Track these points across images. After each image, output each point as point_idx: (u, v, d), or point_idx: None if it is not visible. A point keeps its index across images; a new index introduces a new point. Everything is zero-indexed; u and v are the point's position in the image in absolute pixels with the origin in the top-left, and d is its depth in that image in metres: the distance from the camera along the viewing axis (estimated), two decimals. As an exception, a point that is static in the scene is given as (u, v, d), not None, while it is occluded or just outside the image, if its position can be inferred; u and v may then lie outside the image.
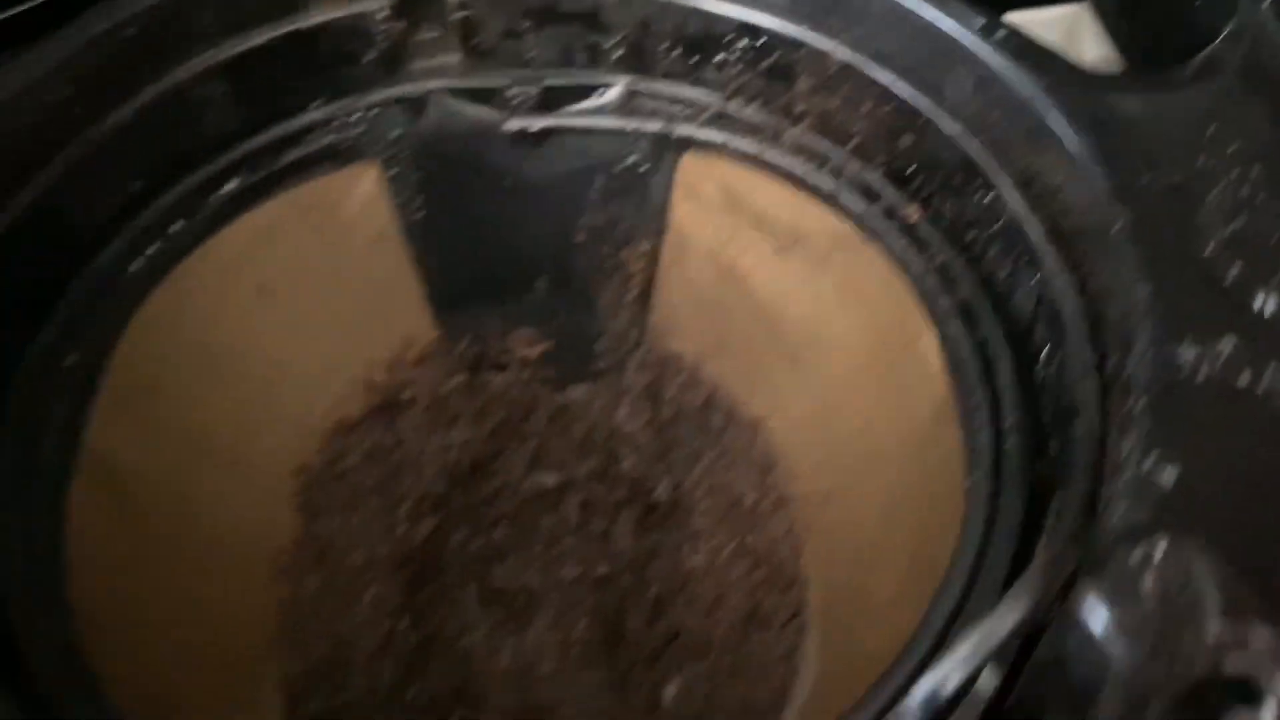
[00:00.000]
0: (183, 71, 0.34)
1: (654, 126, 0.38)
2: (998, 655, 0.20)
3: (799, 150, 0.36)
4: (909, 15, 0.32)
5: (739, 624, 0.36)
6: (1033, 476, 0.27)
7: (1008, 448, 0.28)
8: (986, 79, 0.30)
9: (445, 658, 0.38)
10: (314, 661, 0.35)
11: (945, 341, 0.31)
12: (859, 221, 0.35)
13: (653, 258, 0.41)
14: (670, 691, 0.35)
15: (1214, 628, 0.20)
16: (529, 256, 0.41)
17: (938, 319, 0.32)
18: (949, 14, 0.31)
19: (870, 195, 0.34)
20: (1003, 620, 0.20)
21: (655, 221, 0.40)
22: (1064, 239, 0.29)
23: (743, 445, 0.39)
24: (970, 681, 0.20)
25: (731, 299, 0.40)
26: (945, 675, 0.20)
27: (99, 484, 0.31)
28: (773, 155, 0.36)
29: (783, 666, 0.34)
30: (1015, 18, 0.40)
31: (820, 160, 0.36)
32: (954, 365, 0.31)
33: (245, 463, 0.37)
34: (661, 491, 0.41)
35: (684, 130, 0.38)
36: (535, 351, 0.43)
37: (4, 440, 0.29)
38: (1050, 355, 0.28)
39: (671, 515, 0.40)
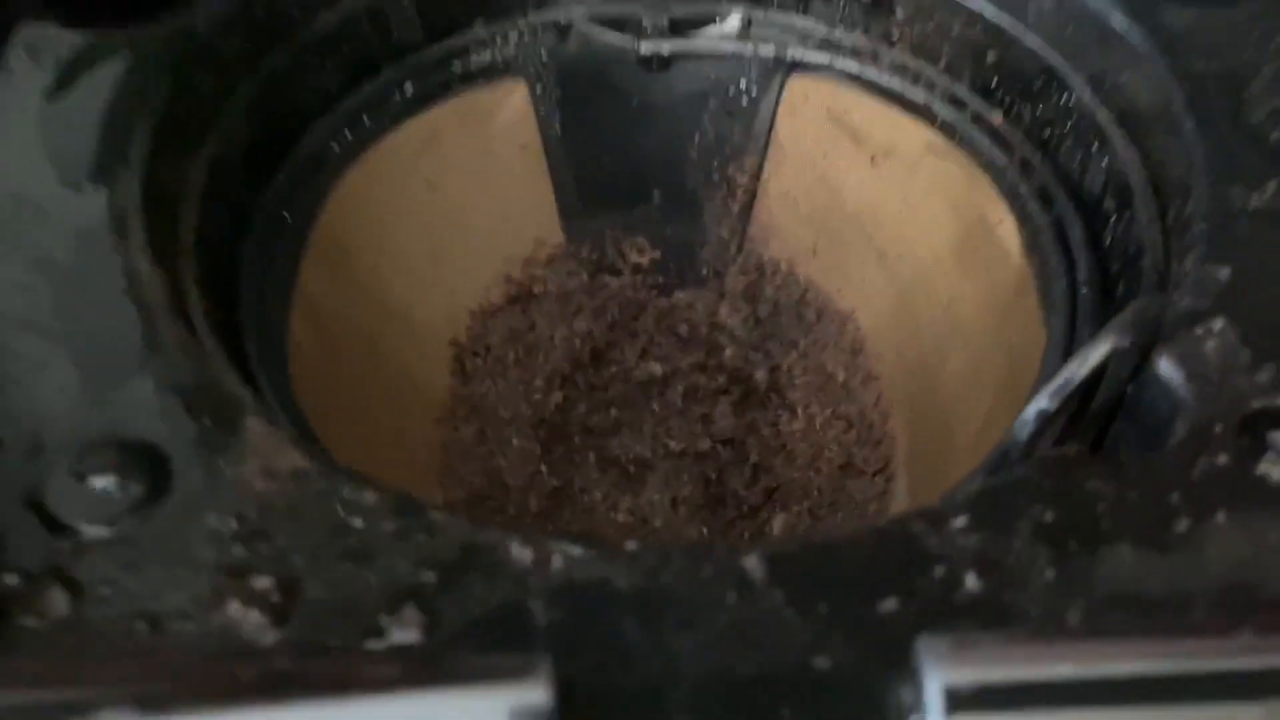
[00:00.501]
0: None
1: (767, 51, 0.44)
2: (1091, 383, 0.26)
3: (896, 70, 0.42)
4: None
5: (835, 473, 0.41)
6: (1104, 317, 0.33)
7: (1081, 296, 0.34)
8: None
9: (574, 507, 0.43)
10: (473, 490, 0.41)
11: (1023, 222, 0.37)
12: (948, 129, 0.40)
13: (756, 172, 0.46)
14: (777, 525, 0.41)
15: (1263, 375, 0.26)
16: (648, 171, 0.47)
17: (1016, 204, 0.37)
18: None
19: (959, 105, 0.40)
20: (1095, 349, 0.26)
21: (761, 140, 0.46)
22: (1130, 122, 0.34)
23: (834, 332, 0.45)
24: (1068, 399, 0.26)
25: (826, 205, 0.45)
26: (1050, 393, 0.26)
27: (307, 317, 0.37)
28: (872, 74, 0.42)
29: (875, 505, 0.40)
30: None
31: (914, 77, 0.41)
32: (1031, 241, 0.36)
33: (411, 327, 0.43)
34: (759, 376, 0.46)
35: (794, 53, 0.43)
36: (645, 259, 0.49)
37: (244, 275, 0.35)
38: (1118, 219, 0.34)
39: (769, 396, 0.46)
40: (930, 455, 0.40)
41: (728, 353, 0.47)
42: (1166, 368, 0.26)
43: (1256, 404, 0.25)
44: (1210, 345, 0.26)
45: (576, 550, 0.23)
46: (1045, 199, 0.37)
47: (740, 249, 0.48)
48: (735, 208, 0.47)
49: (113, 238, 0.29)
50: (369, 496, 0.24)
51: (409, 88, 0.42)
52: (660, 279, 0.49)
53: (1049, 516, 0.23)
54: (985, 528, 0.23)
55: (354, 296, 0.40)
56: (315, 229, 0.38)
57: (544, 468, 0.43)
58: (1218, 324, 0.27)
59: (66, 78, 0.33)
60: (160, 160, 0.32)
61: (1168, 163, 0.33)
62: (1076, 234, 0.35)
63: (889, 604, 0.22)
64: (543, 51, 0.44)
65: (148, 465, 0.24)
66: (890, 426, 0.42)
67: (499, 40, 0.43)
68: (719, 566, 0.22)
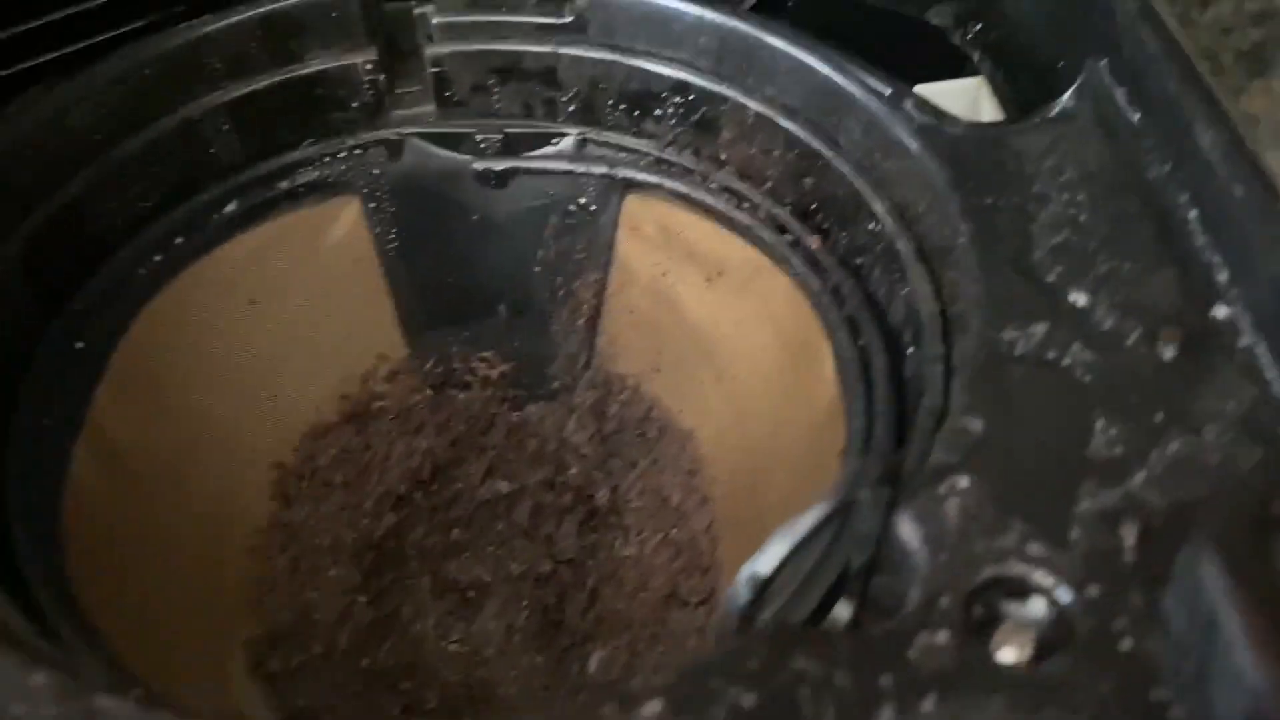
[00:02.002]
0: (193, 108, 0.39)
1: (601, 170, 0.43)
2: (807, 545, 0.25)
3: (723, 191, 0.41)
4: (809, 72, 0.37)
5: (659, 604, 0.40)
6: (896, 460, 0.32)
7: (875, 436, 0.33)
8: (869, 125, 0.36)
9: (398, 637, 0.42)
10: (277, 627, 0.39)
11: (836, 350, 0.36)
12: (771, 251, 0.40)
13: (600, 287, 0.46)
14: (594, 661, 0.39)
15: (998, 542, 0.24)
16: (491, 285, 0.47)
17: (830, 332, 0.37)
18: (839, 71, 0.37)
19: (780, 228, 0.40)
20: (808, 517, 0.25)
21: (602, 255, 0.45)
22: (927, 256, 0.34)
23: (674, 453, 0.44)
24: (783, 566, 0.25)
25: (668, 323, 0.45)
26: (761, 560, 0.24)
27: (97, 452, 0.35)
28: (701, 196, 0.42)
29: (696, 639, 0.38)
30: (928, 89, 0.46)
31: (740, 199, 0.41)
32: (841, 370, 0.36)
33: (228, 453, 0.41)
34: (601, 497, 0.45)
35: (627, 174, 0.43)
36: (496, 372, 0.48)
37: (21, 408, 0.34)
38: (914, 353, 0.33)
39: (609, 517, 0.44)
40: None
41: (573, 470, 0.46)
42: (906, 530, 0.25)
43: (989, 571, 0.24)
44: (951, 505, 0.25)
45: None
46: (854, 328, 0.36)
47: (589, 364, 0.47)
48: (581, 322, 0.47)
49: None
50: (38, 678, 0.22)
51: (231, 207, 0.41)
52: (511, 392, 0.48)
53: (748, 701, 0.21)
54: (680, 713, 0.21)
55: (160, 424, 0.38)
56: (114, 357, 0.37)
57: (362, 598, 0.41)
58: (963, 482, 0.25)
59: None
60: None
61: (956, 299, 0.32)
62: (880, 365, 0.34)
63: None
64: (375, 169, 0.44)
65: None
66: (720, 553, 0.41)
67: (328, 158, 0.43)
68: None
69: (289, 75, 0.41)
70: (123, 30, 0.40)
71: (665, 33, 0.41)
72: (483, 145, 0.44)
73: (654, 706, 0.22)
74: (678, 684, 0.22)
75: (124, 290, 0.38)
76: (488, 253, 0.46)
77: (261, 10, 0.40)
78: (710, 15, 0.40)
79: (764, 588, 0.25)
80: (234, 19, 0.40)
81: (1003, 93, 0.43)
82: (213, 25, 0.39)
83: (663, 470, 0.44)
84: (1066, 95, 0.35)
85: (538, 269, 0.46)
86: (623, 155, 0.43)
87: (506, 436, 0.48)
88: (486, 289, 0.47)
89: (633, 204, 0.44)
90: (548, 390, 0.48)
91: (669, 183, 0.42)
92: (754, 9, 0.48)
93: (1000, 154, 0.34)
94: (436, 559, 0.44)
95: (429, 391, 0.47)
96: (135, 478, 0.37)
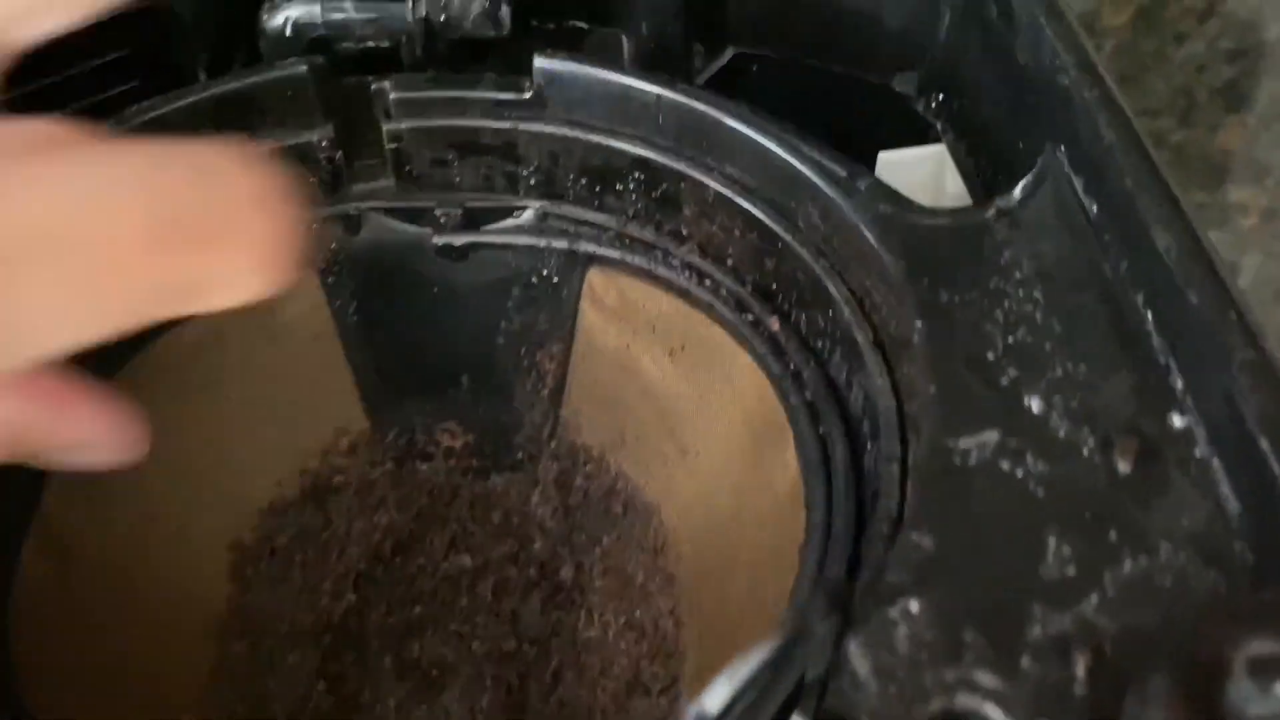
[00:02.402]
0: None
1: (563, 244, 0.43)
2: (753, 685, 0.24)
3: (685, 267, 0.41)
4: (765, 153, 0.37)
5: (621, 691, 0.39)
6: (855, 556, 0.31)
7: (835, 530, 0.32)
8: (825, 210, 0.36)
9: (358, 721, 0.41)
10: (234, 718, 0.38)
11: (797, 436, 0.36)
12: (733, 330, 0.39)
13: (564, 359, 0.45)
14: (554, 753, 0.39)
15: (948, 672, 0.24)
16: (454, 356, 0.46)
17: (792, 416, 0.36)
18: (794, 154, 0.36)
19: (742, 308, 0.39)
20: (753, 655, 0.24)
21: (565, 327, 0.45)
22: (884, 347, 0.33)
23: (639, 529, 0.44)
24: (732, 704, 0.24)
25: (633, 396, 0.44)
26: (708, 698, 0.24)
27: (47, 551, 0.35)
28: (663, 271, 0.41)
29: (656, 732, 0.38)
30: (890, 156, 0.46)
31: (702, 276, 0.40)
32: (802, 457, 0.35)
33: (185, 538, 0.41)
34: (565, 573, 0.44)
35: (589, 248, 0.43)
36: (459, 443, 0.47)
37: None
38: (873, 447, 0.33)
39: (573, 594, 0.44)
40: (715, 672, 0.38)
41: (538, 545, 0.46)
42: (855, 658, 0.24)
43: (938, 704, 0.23)
44: (901, 632, 0.25)
45: None
46: (815, 415, 0.36)
47: (554, 434, 0.47)
48: (545, 393, 0.46)
49: None
50: None
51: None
52: (474, 463, 0.48)
53: None
54: None
55: (112, 517, 0.38)
56: None
57: (320, 684, 0.40)
58: (914, 605, 0.25)
59: None
60: None
61: (910, 398, 0.31)
62: (840, 456, 0.34)
63: None
64: (333, 243, 0.43)
65: None
66: (682, 640, 0.40)
67: (284, 235, 0.42)
68: None
69: (243, 154, 0.40)
70: (70, 109, 0.39)
71: (624, 110, 0.40)
72: (443, 220, 0.43)
73: None
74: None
75: None
76: (449, 324, 0.45)
77: (215, 91, 0.39)
78: (668, 94, 0.39)
79: (709, 728, 0.24)
80: (188, 100, 0.39)
81: (964, 165, 0.43)
82: (165, 108, 0.39)
83: (626, 546, 0.43)
84: (1024, 181, 0.35)
85: (500, 340, 0.46)
86: (584, 229, 0.43)
87: (470, 508, 0.47)
88: (449, 360, 0.46)
89: (595, 277, 0.43)
90: (512, 460, 0.48)
91: (631, 258, 0.42)
92: (720, 74, 0.48)
93: (957, 245, 0.33)
94: (398, 638, 0.44)
95: (390, 464, 0.47)
96: (87, 572, 0.36)
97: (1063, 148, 0.35)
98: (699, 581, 0.41)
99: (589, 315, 0.44)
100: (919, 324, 0.31)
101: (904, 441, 0.31)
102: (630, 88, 0.40)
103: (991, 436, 0.28)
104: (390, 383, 0.46)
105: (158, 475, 0.39)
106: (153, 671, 0.38)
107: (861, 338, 0.34)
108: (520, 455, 0.47)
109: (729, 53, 0.48)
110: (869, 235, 0.34)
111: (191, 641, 0.40)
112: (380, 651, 0.43)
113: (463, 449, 0.47)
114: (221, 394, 0.42)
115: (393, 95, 0.41)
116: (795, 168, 0.37)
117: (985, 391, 0.29)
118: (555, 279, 0.44)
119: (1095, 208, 0.33)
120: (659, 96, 0.39)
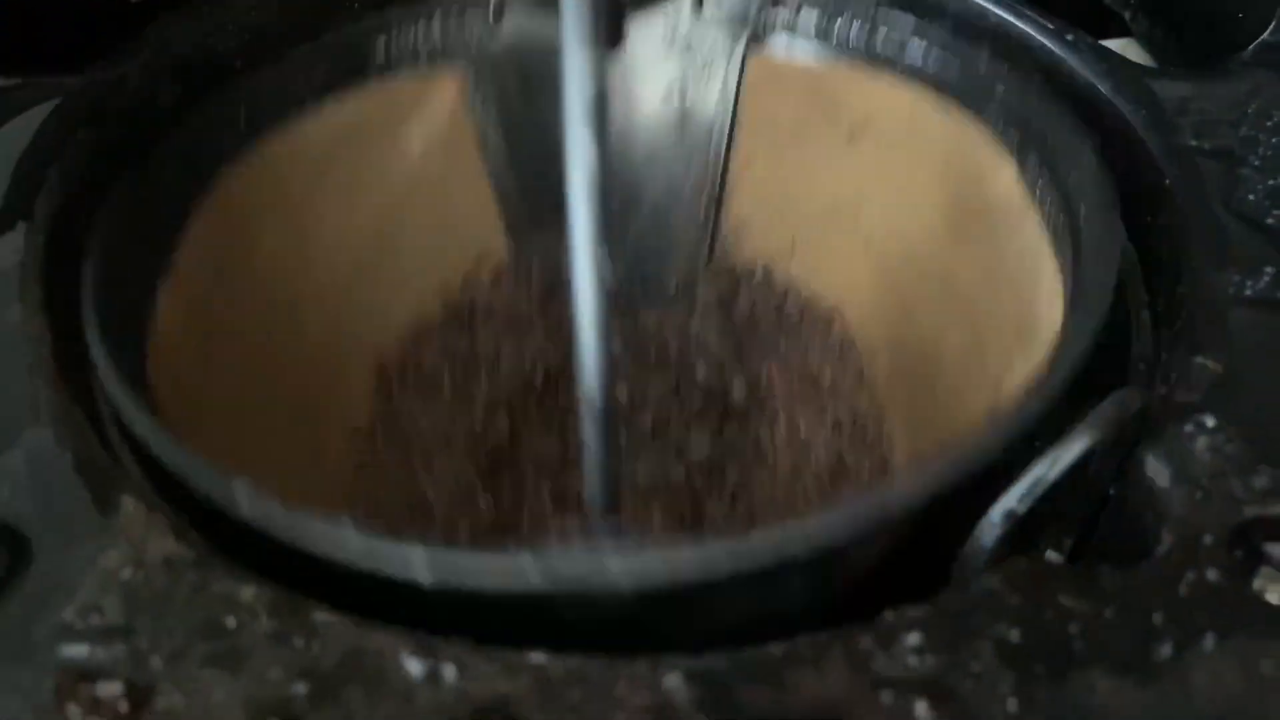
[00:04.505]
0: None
1: (723, 21, 0.39)
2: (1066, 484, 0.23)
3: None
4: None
5: (825, 477, 0.35)
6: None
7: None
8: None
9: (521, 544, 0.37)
10: (390, 520, 0.34)
11: (1023, 166, 0.32)
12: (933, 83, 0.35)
13: (723, 166, 0.41)
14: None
15: (1252, 480, 0.23)
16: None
17: (1012, 151, 0.32)
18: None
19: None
20: (1070, 447, 0.23)
21: (726, 119, 0.40)
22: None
23: (819, 332, 0.39)
24: (1040, 501, 0.22)
25: (803, 197, 0.40)
26: (1019, 494, 0.22)
27: (183, 302, 0.31)
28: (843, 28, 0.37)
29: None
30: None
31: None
32: (1023, 177, 0.31)
33: (325, 344, 0.37)
34: (737, 392, 0.40)
35: (753, 19, 0.39)
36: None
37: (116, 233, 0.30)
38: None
39: (749, 411, 0.40)
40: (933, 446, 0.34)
41: (701, 371, 0.41)
42: (1152, 468, 0.23)
43: (1250, 512, 0.22)
44: (1200, 445, 0.23)
45: (475, 662, 0.20)
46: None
47: (711, 254, 0.43)
48: (702, 208, 0.42)
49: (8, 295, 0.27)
50: (246, 591, 0.21)
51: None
52: (624, 296, 0.43)
53: (1014, 636, 0.20)
54: (940, 648, 0.20)
55: (250, 293, 0.34)
56: (196, 213, 0.33)
57: (487, 498, 0.36)
58: (1209, 421, 0.24)
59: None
60: (68, 215, 0.30)
61: (1161, 240, 0.30)
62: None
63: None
64: (478, 37, 0.39)
65: (4, 549, 0.22)
66: (886, 428, 0.36)
67: (422, 23, 0.39)
68: (636, 687, 0.19)
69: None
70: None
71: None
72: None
73: (913, 639, 0.20)
74: (936, 614, 0.21)
75: (212, 143, 0.34)
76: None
77: None
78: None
79: (1018, 525, 0.23)
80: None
81: (1159, 51, 0.40)
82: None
83: (807, 351, 0.39)
84: (1261, 37, 0.34)
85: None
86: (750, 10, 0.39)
87: (622, 343, 0.43)
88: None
89: (758, 61, 0.39)
90: (664, 291, 0.43)
91: (804, 37, 0.38)
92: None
93: (1201, 99, 0.32)
94: (554, 470, 0.40)
95: (537, 291, 0.43)
96: (225, 338, 0.33)
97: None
98: (900, 370, 0.36)
99: (751, 108, 0.40)
100: (1169, 169, 0.30)
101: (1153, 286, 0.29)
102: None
103: (1268, 271, 0.27)
104: (532, 206, 0.42)
105: (298, 272, 0.36)
106: (297, 462, 0.34)
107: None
108: (674, 283, 0.43)
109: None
110: (1104, 87, 0.32)
111: (337, 439, 0.36)
112: (537, 480, 0.39)
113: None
114: (359, 197, 0.38)
115: None
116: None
117: (1249, 233, 0.28)
118: (716, 64, 0.40)
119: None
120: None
